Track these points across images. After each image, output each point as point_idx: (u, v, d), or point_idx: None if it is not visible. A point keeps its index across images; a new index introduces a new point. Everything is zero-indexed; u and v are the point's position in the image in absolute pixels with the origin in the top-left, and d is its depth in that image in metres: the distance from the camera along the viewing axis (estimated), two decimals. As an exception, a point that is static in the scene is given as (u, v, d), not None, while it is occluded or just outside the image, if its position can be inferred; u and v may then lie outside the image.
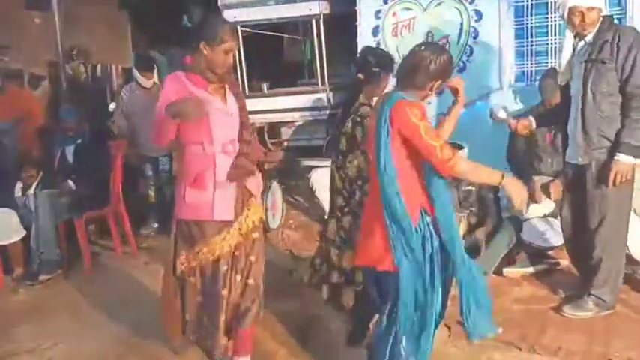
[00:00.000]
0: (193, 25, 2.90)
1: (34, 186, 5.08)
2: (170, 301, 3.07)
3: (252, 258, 3.04)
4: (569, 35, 3.51)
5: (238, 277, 3.00)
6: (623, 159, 3.29)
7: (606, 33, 3.32)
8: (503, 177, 2.53)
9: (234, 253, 2.98)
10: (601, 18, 3.36)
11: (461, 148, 4.36)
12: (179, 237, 2.99)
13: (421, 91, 2.59)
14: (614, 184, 3.32)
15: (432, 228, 2.53)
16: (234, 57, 3.01)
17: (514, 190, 2.54)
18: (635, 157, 3.30)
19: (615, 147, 3.32)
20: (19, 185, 5.14)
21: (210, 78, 2.89)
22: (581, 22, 3.36)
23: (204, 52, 2.82)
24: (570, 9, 3.36)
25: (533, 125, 3.73)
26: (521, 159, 4.48)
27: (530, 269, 4.21)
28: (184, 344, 3.23)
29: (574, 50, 3.49)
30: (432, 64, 2.55)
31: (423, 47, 2.64)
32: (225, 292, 2.97)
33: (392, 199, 2.48)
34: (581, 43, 3.44)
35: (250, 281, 3.04)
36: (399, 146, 2.50)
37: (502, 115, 3.73)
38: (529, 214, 4.32)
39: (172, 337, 3.18)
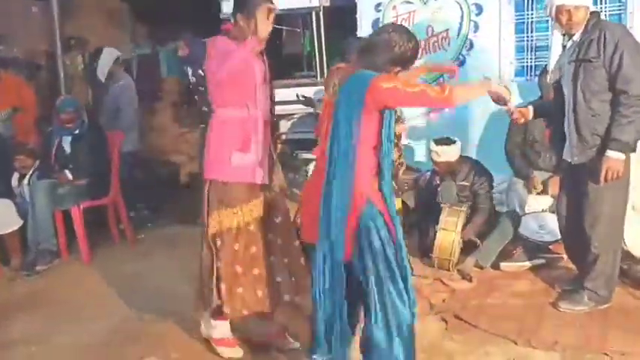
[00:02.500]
0: None
1: (28, 176, 5.06)
2: (205, 267, 3.08)
3: (278, 220, 3.16)
4: (557, 34, 3.50)
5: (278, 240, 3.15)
6: (613, 155, 3.30)
7: (593, 31, 3.31)
8: (489, 83, 2.64)
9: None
10: (588, 15, 3.35)
11: (453, 142, 4.36)
12: (213, 198, 3.03)
13: (378, 72, 2.49)
14: (605, 180, 3.33)
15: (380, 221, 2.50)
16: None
17: (500, 89, 2.64)
18: (624, 152, 3.31)
19: (605, 143, 3.32)
20: (15, 175, 5.13)
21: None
22: (569, 20, 3.35)
23: (240, 23, 2.93)
24: (558, 7, 3.35)
25: (530, 115, 3.71)
26: (519, 155, 4.48)
27: (528, 264, 4.21)
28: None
29: (564, 49, 3.49)
30: (397, 48, 2.49)
31: (391, 29, 2.57)
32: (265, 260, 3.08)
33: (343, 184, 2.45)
34: (570, 42, 3.43)
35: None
36: (366, 130, 2.46)
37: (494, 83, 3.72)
38: (527, 209, 4.33)
39: (199, 309, 3.19)
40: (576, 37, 3.38)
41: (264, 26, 2.96)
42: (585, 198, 3.47)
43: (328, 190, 2.50)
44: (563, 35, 3.46)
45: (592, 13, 3.39)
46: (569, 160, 3.52)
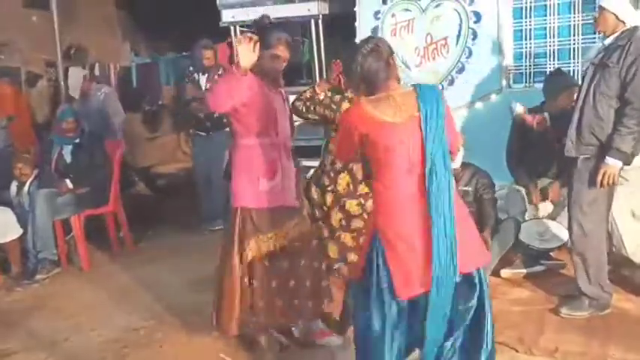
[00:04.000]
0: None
1: (27, 184, 5.06)
2: (230, 293, 3.09)
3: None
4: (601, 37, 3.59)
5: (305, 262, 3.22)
6: (611, 162, 3.37)
7: (622, 39, 3.37)
8: None
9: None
10: (624, 26, 3.39)
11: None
12: (246, 226, 3.08)
13: None
14: (601, 185, 3.40)
15: None
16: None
17: None
18: (622, 162, 3.37)
19: (606, 150, 3.38)
20: (14, 183, 5.13)
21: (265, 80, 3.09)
22: (596, 20, 3.47)
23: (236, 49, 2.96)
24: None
25: (548, 122, 3.77)
26: (521, 161, 4.48)
27: (528, 270, 4.21)
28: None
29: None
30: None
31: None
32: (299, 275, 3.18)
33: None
34: (601, 45, 3.50)
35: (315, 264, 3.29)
36: None
37: (520, 109, 3.78)
38: (528, 215, 4.33)
39: (226, 331, 3.19)
40: (607, 42, 3.44)
41: (245, 57, 2.87)
42: (572, 194, 3.54)
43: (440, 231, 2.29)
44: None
45: (633, 27, 3.41)
46: (567, 155, 3.56)
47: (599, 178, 3.38)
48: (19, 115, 5.92)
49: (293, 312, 3.20)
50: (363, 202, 3.47)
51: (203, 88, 5.59)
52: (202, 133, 5.76)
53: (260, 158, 3.10)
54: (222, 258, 3.17)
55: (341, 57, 2.62)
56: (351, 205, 3.50)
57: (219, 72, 5.58)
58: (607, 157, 3.36)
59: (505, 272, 4.20)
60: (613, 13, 3.39)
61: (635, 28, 3.42)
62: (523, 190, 4.43)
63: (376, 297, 2.37)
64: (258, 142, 3.10)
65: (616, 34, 3.39)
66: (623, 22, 3.39)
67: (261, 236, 3.08)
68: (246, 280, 3.08)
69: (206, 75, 5.65)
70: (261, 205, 3.09)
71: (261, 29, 3.20)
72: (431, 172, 2.30)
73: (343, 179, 3.53)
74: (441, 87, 5.17)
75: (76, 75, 6.15)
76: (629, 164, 3.43)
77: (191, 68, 5.83)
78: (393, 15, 5.54)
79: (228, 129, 5.32)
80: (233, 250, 3.09)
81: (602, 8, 3.41)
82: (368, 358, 2.44)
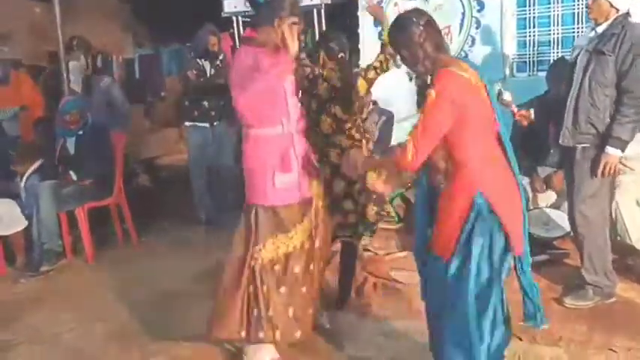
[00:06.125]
0: (265, 1, 2.87)
1: (26, 176, 5.06)
2: (235, 298, 2.90)
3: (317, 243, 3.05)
4: (591, 23, 3.57)
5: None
6: (612, 152, 3.37)
7: (616, 27, 3.36)
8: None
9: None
10: (616, 13, 3.38)
11: None
12: (262, 226, 2.88)
13: None
14: (602, 174, 3.40)
15: None
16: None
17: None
18: (622, 150, 3.38)
19: (606, 139, 3.38)
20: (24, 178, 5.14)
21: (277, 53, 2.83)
22: (589, 7, 3.45)
23: (278, 29, 2.78)
24: None
25: (532, 117, 3.73)
26: (523, 150, 4.45)
27: (532, 259, 4.18)
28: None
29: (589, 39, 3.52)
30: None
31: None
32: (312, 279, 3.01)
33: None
34: (593, 33, 3.48)
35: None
36: None
37: (507, 97, 3.75)
38: (531, 205, 4.32)
39: (230, 337, 3.00)
40: (600, 30, 3.42)
41: (293, 43, 2.79)
42: (572, 183, 3.54)
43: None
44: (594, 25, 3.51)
45: (623, 14, 3.40)
46: (563, 144, 3.55)
47: (600, 167, 3.38)
48: (32, 107, 5.93)
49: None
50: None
51: (208, 73, 5.46)
52: (204, 125, 5.54)
53: (273, 151, 2.87)
54: (232, 260, 2.96)
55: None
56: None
57: (220, 58, 5.48)
58: (607, 147, 3.36)
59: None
60: (607, 0, 3.36)
61: (627, 14, 3.40)
62: (526, 179, 4.42)
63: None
64: (269, 133, 2.87)
65: (609, 22, 3.38)
66: (617, 10, 3.37)
67: (280, 236, 2.89)
68: (252, 286, 2.88)
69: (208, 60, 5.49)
70: (279, 203, 2.89)
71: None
72: (504, 134, 2.48)
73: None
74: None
75: (76, 68, 6.13)
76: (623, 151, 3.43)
77: (192, 54, 5.67)
78: (395, 4, 5.53)
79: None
80: (246, 251, 2.89)
81: None
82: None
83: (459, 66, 2.38)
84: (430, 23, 2.45)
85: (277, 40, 2.80)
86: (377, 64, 3.49)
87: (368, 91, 3.69)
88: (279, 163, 2.86)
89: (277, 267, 2.90)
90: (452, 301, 2.42)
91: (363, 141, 3.57)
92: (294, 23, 2.82)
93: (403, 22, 2.46)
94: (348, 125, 3.48)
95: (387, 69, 3.51)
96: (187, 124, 5.63)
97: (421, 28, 2.40)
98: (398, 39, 2.48)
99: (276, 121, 2.87)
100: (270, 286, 2.89)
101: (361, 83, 3.51)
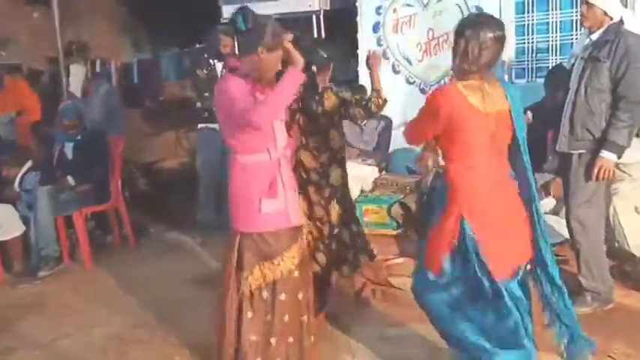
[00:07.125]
0: (247, 28, 2.73)
1: (18, 177, 5.06)
2: (229, 326, 2.87)
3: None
4: (585, 31, 3.59)
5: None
6: (607, 156, 3.38)
7: (610, 34, 3.39)
8: None
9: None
10: (610, 21, 3.40)
11: None
12: (248, 252, 2.83)
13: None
14: (597, 178, 3.41)
15: None
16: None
17: None
18: (618, 155, 3.39)
19: (601, 144, 3.40)
20: (17, 180, 5.14)
21: (261, 82, 2.78)
22: (583, 15, 3.46)
23: (261, 56, 2.72)
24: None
25: (529, 120, 3.77)
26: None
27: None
28: None
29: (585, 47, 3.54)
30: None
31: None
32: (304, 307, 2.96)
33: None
34: (587, 40, 3.50)
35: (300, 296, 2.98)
36: None
37: None
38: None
39: None
40: (594, 37, 3.45)
41: (275, 66, 2.75)
42: (570, 189, 3.55)
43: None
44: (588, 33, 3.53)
45: (617, 22, 3.42)
46: (559, 150, 3.57)
47: (595, 171, 3.40)
48: (28, 111, 5.94)
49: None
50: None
51: (218, 74, 5.44)
52: (215, 125, 5.21)
53: (260, 176, 2.82)
54: (219, 290, 2.94)
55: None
56: None
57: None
58: (603, 151, 3.38)
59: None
60: (602, 9, 3.39)
61: (621, 22, 3.43)
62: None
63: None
64: (255, 160, 2.81)
65: (602, 29, 3.41)
66: (611, 17, 3.40)
67: (266, 263, 2.82)
68: (238, 314, 2.84)
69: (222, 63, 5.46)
70: (265, 229, 2.82)
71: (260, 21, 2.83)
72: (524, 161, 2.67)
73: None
74: (442, 82, 5.16)
75: (78, 72, 6.14)
76: (620, 157, 3.45)
77: (205, 55, 5.68)
78: (394, 10, 5.53)
79: None
80: (229, 279, 2.85)
81: (590, 4, 3.40)
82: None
83: (471, 87, 2.50)
84: (496, 40, 2.50)
85: (260, 68, 2.75)
86: (357, 97, 3.32)
87: (337, 110, 3.32)
88: (265, 188, 2.81)
89: (265, 294, 2.85)
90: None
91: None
92: (279, 56, 2.75)
93: (482, 22, 2.56)
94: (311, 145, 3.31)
95: (367, 107, 3.26)
96: (199, 126, 5.66)
97: (483, 39, 2.47)
98: (465, 31, 2.53)
99: (262, 148, 2.82)
100: (257, 313, 2.86)
101: (328, 96, 3.29)
